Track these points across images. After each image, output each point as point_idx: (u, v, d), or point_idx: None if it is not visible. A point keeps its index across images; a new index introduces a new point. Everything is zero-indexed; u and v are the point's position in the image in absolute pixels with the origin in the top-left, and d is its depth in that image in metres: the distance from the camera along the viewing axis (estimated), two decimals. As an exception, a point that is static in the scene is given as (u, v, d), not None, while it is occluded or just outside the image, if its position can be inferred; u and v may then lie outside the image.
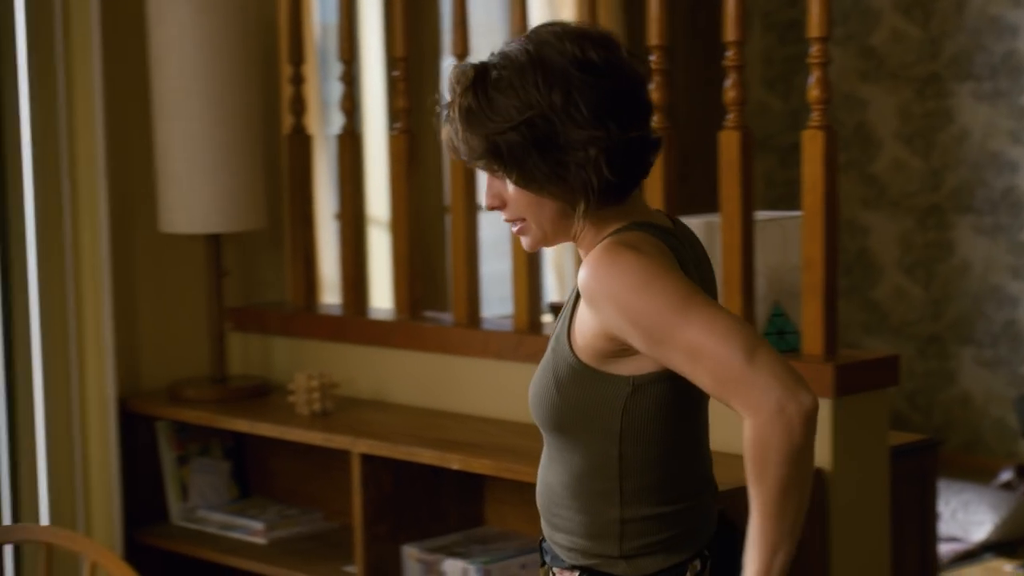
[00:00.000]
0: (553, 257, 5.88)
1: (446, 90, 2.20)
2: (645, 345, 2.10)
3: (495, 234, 3.84)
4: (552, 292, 5.85)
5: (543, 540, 2.33)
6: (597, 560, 2.22)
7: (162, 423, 4.05)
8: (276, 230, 4.24)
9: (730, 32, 3.25)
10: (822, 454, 3.11)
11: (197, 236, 4.04)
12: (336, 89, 4.24)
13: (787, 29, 6.34)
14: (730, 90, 3.26)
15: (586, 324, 2.15)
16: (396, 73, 3.93)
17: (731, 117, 3.27)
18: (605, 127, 2.12)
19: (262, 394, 4.06)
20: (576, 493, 2.21)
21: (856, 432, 3.18)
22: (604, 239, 2.17)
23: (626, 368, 2.15)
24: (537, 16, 5.18)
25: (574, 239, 2.23)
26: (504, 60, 2.16)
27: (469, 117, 2.15)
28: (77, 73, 3.83)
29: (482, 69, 2.16)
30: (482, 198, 2.23)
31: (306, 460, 4.02)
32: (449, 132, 2.19)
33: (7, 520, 3.82)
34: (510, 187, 2.18)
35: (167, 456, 4.06)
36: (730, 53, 3.26)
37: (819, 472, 3.10)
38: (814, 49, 3.13)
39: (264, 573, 3.73)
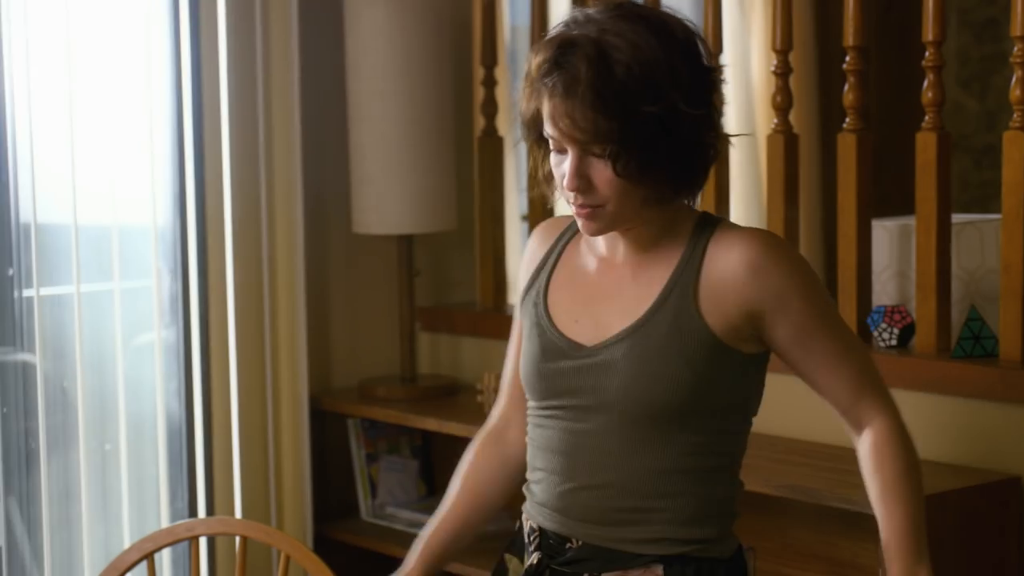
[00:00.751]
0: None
1: (553, 60, 2.08)
2: (793, 330, 2.15)
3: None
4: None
5: (535, 554, 2.29)
6: (693, 547, 2.18)
7: (352, 421, 4.11)
8: (466, 231, 4.27)
9: (929, 32, 3.19)
10: (1019, 463, 3.04)
11: (389, 237, 4.09)
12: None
13: (984, 27, 6.19)
14: (928, 91, 3.20)
15: (731, 300, 2.13)
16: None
17: (928, 118, 3.21)
18: (718, 129, 2.15)
19: (451, 393, 4.09)
20: (684, 475, 2.18)
21: (1055, 441, 3.10)
22: (706, 217, 2.19)
23: (746, 346, 2.17)
24: (730, 16, 5.13)
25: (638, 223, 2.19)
26: (622, 40, 2.06)
27: (599, 96, 2.04)
28: (275, 75, 3.90)
29: (598, 44, 2.06)
30: (564, 179, 2.11)
31: (493, 459, 4.04)
32: (557, 106, 2.07)
33: (202, 514, 3.91)
34: (603, 171, 2.09)
35: (357, 453, 4.11)
36: (928, 53, 3.20)
37: (1016, 481, 3.03)
38: (1017, 48, 3.06)
39: (450, 571, 3.75)
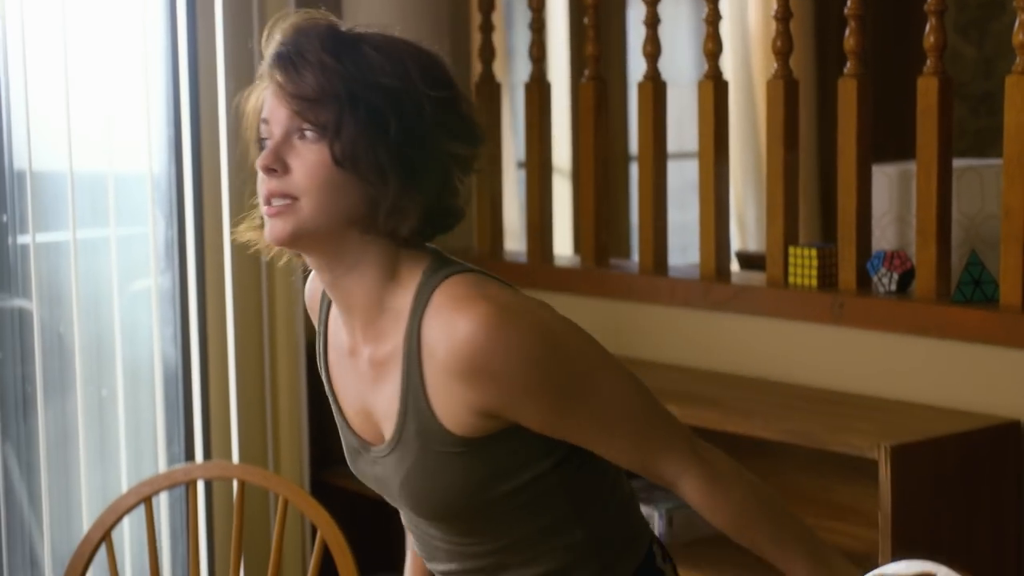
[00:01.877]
0: (735, 205, 5.83)
1: (293, 28, 1.86)
2: (540, 421, 1.83)
3: (673, 184, 3.82)
4: (734, 240, 5.80)
5: None
6: None
7: (349, 366, 4.10)
8: (462, 177, 4.25)
9: (930, -25, 3.17)
10: (1019, 407, 3.05)
11: (385, 182, 4.08)
12: (520, 37, 4.24)
13: (980, -26, 6.19)
14: (930, 35, 3.18)
15: (460, 406, 1.83)
16: (587, 20, 3.92)
17: (930, 63, 3.20)
18: (467, 153, 1.91)
19: (448, 339, 4.08)
20: (528, 539, 1.95)
21: (1054, 385, 3.11)
22: (429, 279, 1.85)
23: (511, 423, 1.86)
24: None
25: (332, 250, 1.86)
26: (373, 30, 1.86)
27: (334, 51, 1.81)
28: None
29: (347, 28, 1.86)
30: (259, 160, 1.84)
31: (490, 405, 4.04)
32: (282, 74, 1.82)
33: (199, 459, 3.91)
34: (310, 154, 1.81)
35: (354, 399, 4.11)
36: (931, -2, 3.18)
37: (1016, 425, 3.04)
38: (1018, -8, 3.05)
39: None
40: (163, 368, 3.91)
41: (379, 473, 1.96)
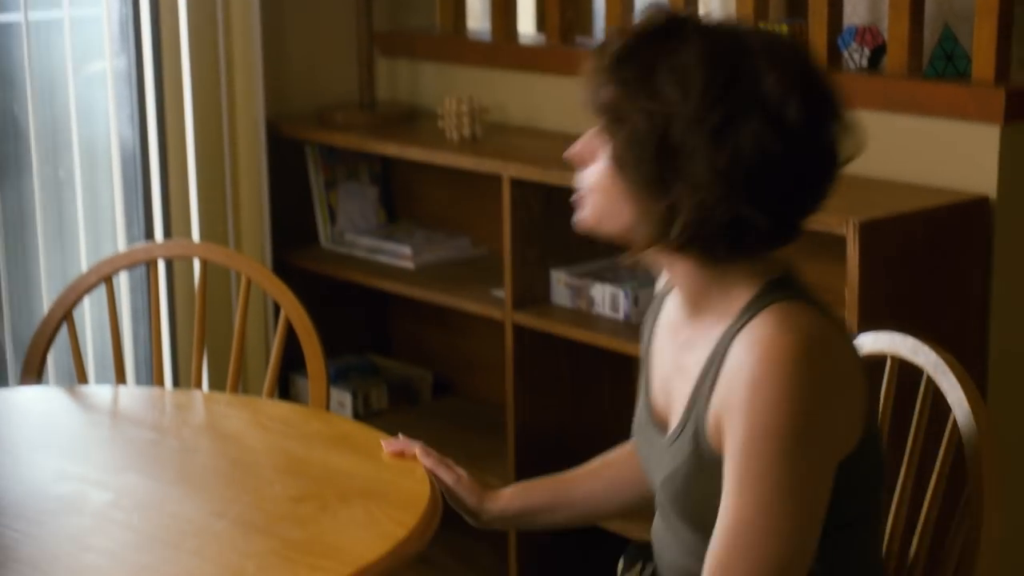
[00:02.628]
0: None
1: (632, 23, 1.86)
2: (729, 465, 1.79)
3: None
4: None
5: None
6: None
7: (311, 147, 4.05)
8: (424, -48, 4.16)
9: None
10: (988, 182, 3.02)
11: (345, -43, 3.98)
12: None
13: None
14: None
15: (717, 414, 1.83)
16: None
17: None
18: (748, 178, 1.82)
19: (411, 119, 4.03)
20: None
21: None
22: (761, 299, 1.84)
23: None
24: None
25: (647, 261, 1.92)
26: (709, 43, 1.80)
27: (622, 66, 1.82)
28: None
29: (679, 27, 1.82)
30: (570, 149, 1.93)
31: (453, 186, 4.00)
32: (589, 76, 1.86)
33: (159, 239, 3.87)
34: (601, 156, 1.88)
35: (315, 180, 4.06)
36: None
37: (984, 201, 3.02)
38: None
39: (412, 296, 3.75)
40: (120, 149, 3.84)
41: (652, 456, 1.99)
